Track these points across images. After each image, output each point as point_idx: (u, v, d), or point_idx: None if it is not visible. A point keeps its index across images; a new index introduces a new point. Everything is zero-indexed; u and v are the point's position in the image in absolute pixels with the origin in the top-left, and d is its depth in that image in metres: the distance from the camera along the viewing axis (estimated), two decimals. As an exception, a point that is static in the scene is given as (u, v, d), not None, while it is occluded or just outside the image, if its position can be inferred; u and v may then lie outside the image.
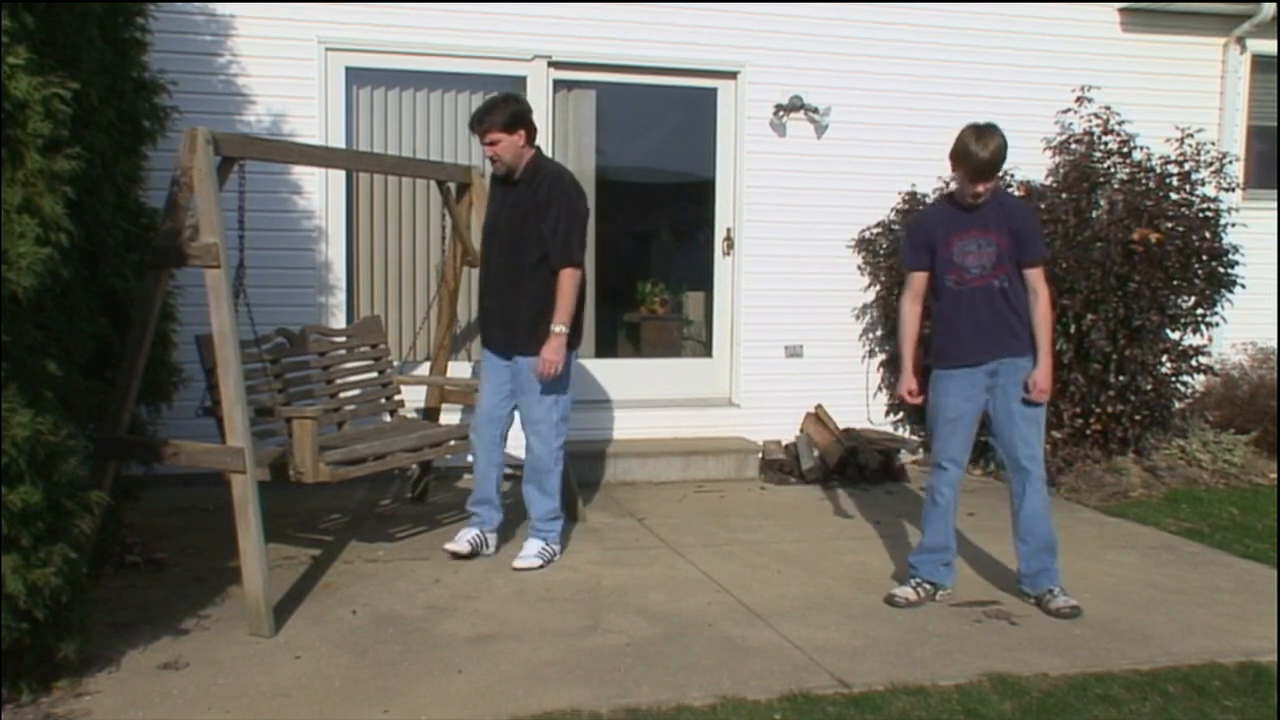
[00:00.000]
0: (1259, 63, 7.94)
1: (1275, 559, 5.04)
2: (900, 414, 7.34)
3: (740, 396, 7.14)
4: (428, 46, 6.45)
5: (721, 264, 7.19)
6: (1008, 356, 4.25)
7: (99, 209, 4.02)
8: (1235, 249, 6.52)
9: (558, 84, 6.79)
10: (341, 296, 6.47)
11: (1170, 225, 6.37)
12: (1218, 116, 7.81)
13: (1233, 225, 6.63)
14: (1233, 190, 6.89)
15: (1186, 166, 6.66)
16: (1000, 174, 4.48)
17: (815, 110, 7.00)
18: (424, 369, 6.07)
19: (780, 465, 6.72)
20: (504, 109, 4.64)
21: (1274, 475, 6.70)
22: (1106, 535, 5.50)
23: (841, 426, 6.93)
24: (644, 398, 7.03)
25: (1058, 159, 6.85)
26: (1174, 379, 6.75)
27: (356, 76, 6.45)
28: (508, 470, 6.22)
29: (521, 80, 6.66)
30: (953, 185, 4.49)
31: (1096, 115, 6.71)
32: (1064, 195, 6.59)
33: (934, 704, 3.39)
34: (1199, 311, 6.63)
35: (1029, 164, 6.85)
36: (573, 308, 4.66)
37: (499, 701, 3.36)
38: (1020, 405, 4.26)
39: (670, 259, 7.71)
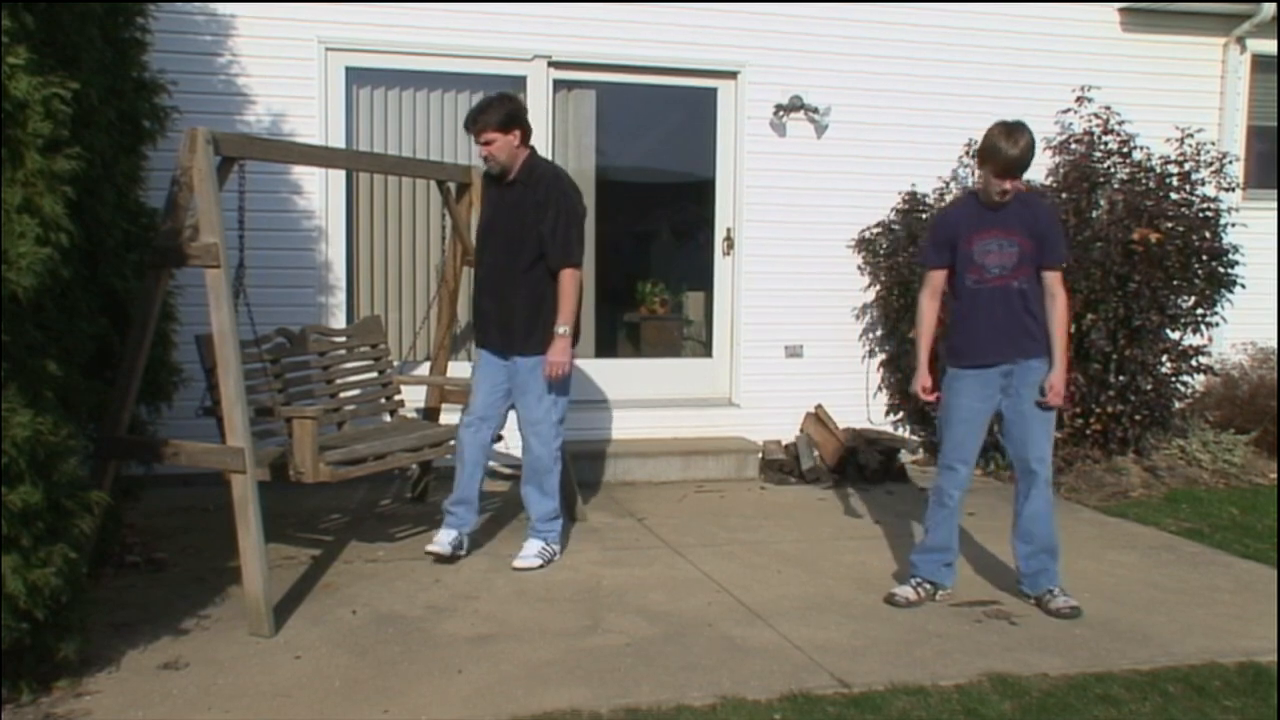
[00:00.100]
0: (1259, 63, 7.94)
1: (1275, 559, 5.04)
2: (900, 414, 7.35)
3: (740, 396, 7.14)
4: (428, 46, 6.45)
5: (721, 264, 7.19)
6: (1022, 358, 4.24)
7: (99, 209, 4.02)
8: (1235, 249, 6.52)
9: (558, 84, 6.79)
10: (341, 296, 6.47)
11: (1170, 225, 6.37)
12: (1218, 116, 7.81)
13: (1233, 225, 6.63)
14: (1233, 190, 6.89)
15: (1186, 166, 6.66)
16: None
17: (815, 110, 7.00)
18: (424, 369, 6.07)
19: (780, 465, 6.72)
20: (499, 108, 4.62)
21: (1274, 475, 6.70)
22: (1106, 535, 5.50)
23: (841, 426, 6.93)
24: (644, 398, 7.03)
25: (1058, 159, 6.85)
26: (1174, 379, 6.75)
27: (356, 76, 6.45)
28: (508, 470, 6.23)
29: (521, 80, 6.66)
30: (974, 182, 4.47)
31: (1096, 115, 6.71)
32: (1064, 195, 6.59)
33: (934, 704, 3.39)
34: (1199, 311, 6.63)
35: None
36: (575, 308, 4.66)
37: (499, 701, 3.36)
38: (1033, 407, 4.25)
39: (670, 259, 7.71)
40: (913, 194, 7.06)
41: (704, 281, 7.29)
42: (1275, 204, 7.83)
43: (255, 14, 6.13)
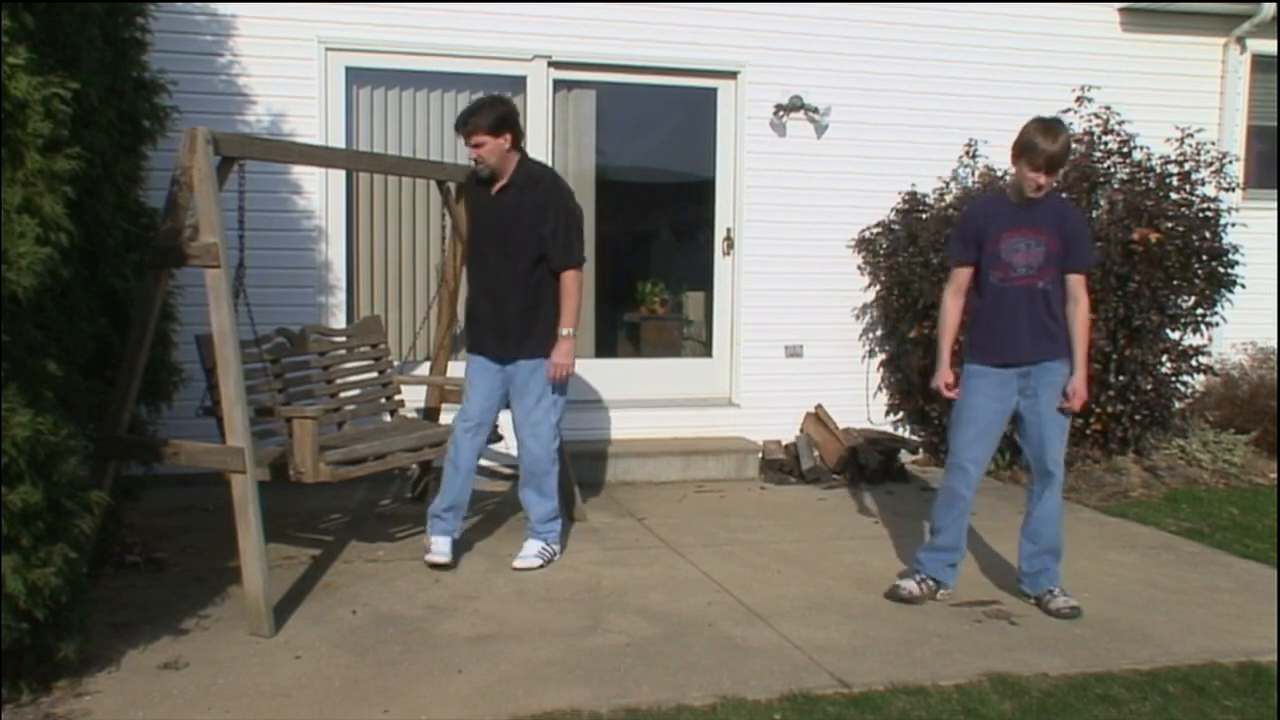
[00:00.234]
0: (1259, 63, 7.94)
1: (1275, 559, 5.04)
2: (900, 414, 7.35)
3: (740, 396, 7.14)
4: (428, 46, 6.45)
5: (721, 264, 7.19)
6: (1042, 360, 4.22)
7: (99, 209, 4.02)
8: (1235, 249, 6.52)
9: (558, 84, 6.79)
10: (341, 296, 6.47)
11: (1170, 225, 6.36)
12: (1218, 116, 7.81)
13: (1233, 225, 6.62)
14: (1233, 190, 6.89)
15: (1186, 166, 6.66)
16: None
17: (815, 110, 7.00)
18: (424, 369, 6.07)
19: (780, 465, 6.72)
20: (490, 111, 4.58)
21: (1274, 475, 6.70)
22: (1106, 535, 5.50)
23: (841, 426, 6.93)
24: (644, 398, 7.04)
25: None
26: (1174, 379, 6.75)
27: (356, 76, 6.45)
28: (507, 470, 6.24)
29: (521, 80, 6.66)
30: (1001, 181, 4.42)
31: (1096, 115, 6.71)
32: (1064, 195, 6.58)
33: (934, 704, 3.39)
34: (1199, 311, 6.63)
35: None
36: (578, 310, 4.67)
37: (499, 701, 3.36)
38: (1051, 410, 4.23)
39: (670, 259, 7.71)
40: (913, 194, 7.06)
41: (704, 281, 7.29)
42: (1275, 204, 7.83)
43: (255, 14, 6.13)
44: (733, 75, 6.99)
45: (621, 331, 7.50)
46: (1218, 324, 6.70)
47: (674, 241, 7.79)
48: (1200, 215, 6.50)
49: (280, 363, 5.01)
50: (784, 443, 6.98)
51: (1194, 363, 6.71)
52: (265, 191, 5.96)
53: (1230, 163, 6.84)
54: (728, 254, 7.16)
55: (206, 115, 5.53)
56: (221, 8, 6.08)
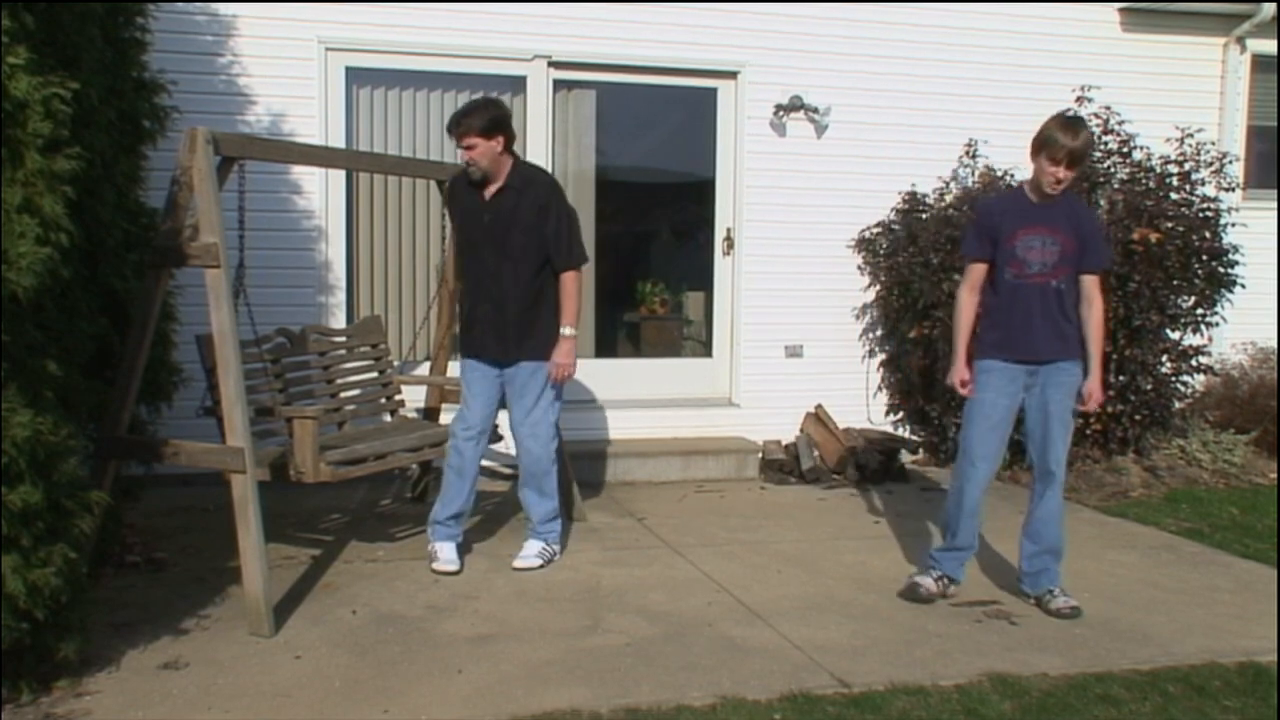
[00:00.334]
0: (1259, 63, 7.94)
1: (1275, 559, 5.04)
2: (900, 414, 7.35)
3: (740, 396, 7.14)
4: (428, 46, 6.45)
5: (721, 264, 7.19)
6: (1052, 360, 4.22)
7: (99, 209, 4.02)
8: (1235, 249, 6.52)
9: (558, 84, 6.79)
10: (341, 296, 6.47)
11: (1170, 225, 6.37)
12: (1218, 116, 7.81)
13: (1233, 225, 6.63)
14: (1233, 190, 6.89)
15: (1186, 166, 6.66)
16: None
17: (815, 110, 7.00)
18: (424, 369, 6.07)
19: (780, 465, 6.72)
20: (483, 113, 4.53)
21: (1274, 475, 6.70)
22: (1106, 535, 5.50)
23: (841, 426, 6.93)
24: (644, 398, 7.04)
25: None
26: (1174, 379, 6.75)
27: (356, 76, 6.45)
28: (507, 470, 6.25)
29: (521, 80, 6.66)
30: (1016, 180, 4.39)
31: (1096, 115, 6.71)
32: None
33: (934, 704, 3.39)
34: (1199, 311, 6.63)
35: (1029, 164, 6.83)
36: (579, 309, 4.68)
37: (499, 701, 3.36)
38: (1057, 409, 4.23)
39: (670, 259, 7.71)
40: (913, 194, 7.06)
41: (704, 281, 7.29)
42: (1275, 204, 7.83)
43: (255, 14, 6.13)
44: (733, 75, 6.99)
45: (621, 331, 7.50)
46: (1218, 324, 6.70)
47: (674, 241, 7.79)
48: (1200, 215, 6.50)
49: (280, 363, 5.01)
50: (784, 443, 6.98)
51: (1194, 363, 6.71)
52: (265, 191, 5.95)
53: (1230, 163, 6.84)
54: (728, 254, 7.16)
55: (206, 115, 5.53)
56: (221, 8, 6.08)
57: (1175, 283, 6.46)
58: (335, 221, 6.42)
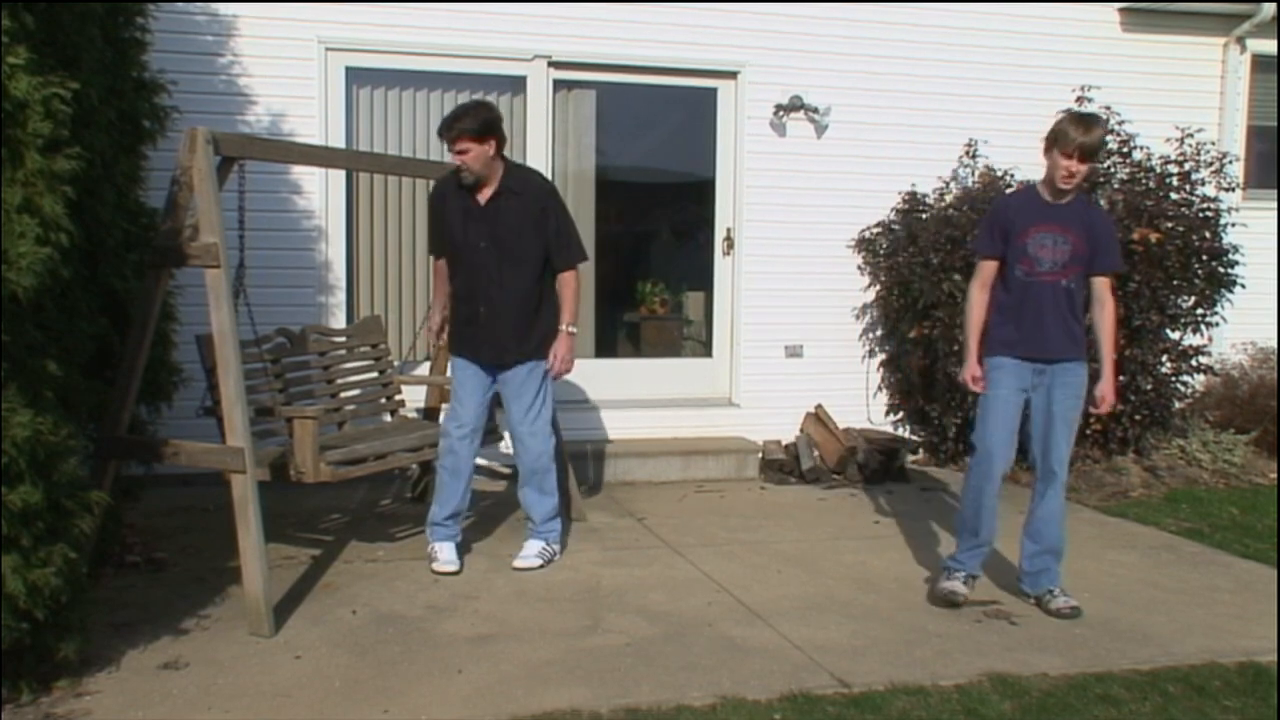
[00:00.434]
0: (1259, 63, 7.94)
1: (1275, 559, 5.04)
2: (900, 414, 7.34)
3: (740, 396, 7.14)
4: (428, 46, 6.45)
5: (721, 264, 7.19)
6: (1060, 359, 4.22)
7: (99, 209, 4.02)
8: (1235, 249, 6.53)
9: (558, 84, 6.79)
10: (341, 296, 6.47)
11: (1170, 225, 6.37)
12: (1218, 116, 7.81)
13: (1233, 225, 6.63)
14: (1233, 190, 6.89)
15: (1186, 166, 6.66)
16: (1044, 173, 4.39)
17: (815, 110, 7.00)
18: (424, 369, 6.07)
19: (780, 465, 6.72)
20: (476, 116, 4.48)
21: (1274, 475, 6.70)
22: (1106, 535, 5.50)
23: (841, 426, 6.93)
24: (644, 398, 7.04)
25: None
26: (1174, 379, 6.75)
27: (356, 76, 6.45)
28: (505, 470, 6.25)
29: (521, 80, 6.66)
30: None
31: (1097, 115, 6.72)
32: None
33: (934, 704, 3.39)
34: (1199, 311, 6.63)
35: (1029, 164, 6.79)
36: (578, 307, 4.72)
37: (499, 701, 3.36)
38: (1061, 410, 4.23)
39: (670, 259, 7.71)
40: (913, 194, 7.06)
41: (704, 281, 7.29)
42: (1275, 204, 7.83)
43: (255, 14, 6.13)
44: (733, 75, 6.99)
45: (621, 331, 7.50)
46: (1218, 324, 6.70)
47: (674, 241, 7.79)
48: (1200, 215, 6.50)
49: (280, 363, 5.01)
50: (784, 443, 6.97)
51: (1194, 363, 6.71)
52: (265, 191, 5.95)
53: (1230, 163, 6.84)
54: (728, 254, 7.16)
55: (206, 115, 5.53)
56: (221, 8, 6.08)
57: (1175, 283, 6.46)
58: (335, 221, 6.42)
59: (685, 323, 7.57)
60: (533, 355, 4.66)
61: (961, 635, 4.03)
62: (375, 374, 5.52)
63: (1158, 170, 6.62)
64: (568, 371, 4.72)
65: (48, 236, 3.02)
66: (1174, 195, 6.53)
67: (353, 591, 4.39)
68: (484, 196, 4.60)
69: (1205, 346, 6.76)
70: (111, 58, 4.20)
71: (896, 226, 7.04)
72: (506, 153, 4.70)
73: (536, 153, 6.65)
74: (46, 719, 3.18)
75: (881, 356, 7.34)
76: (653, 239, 7.80)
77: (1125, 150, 6.67)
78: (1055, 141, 4.16)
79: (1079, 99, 6.68)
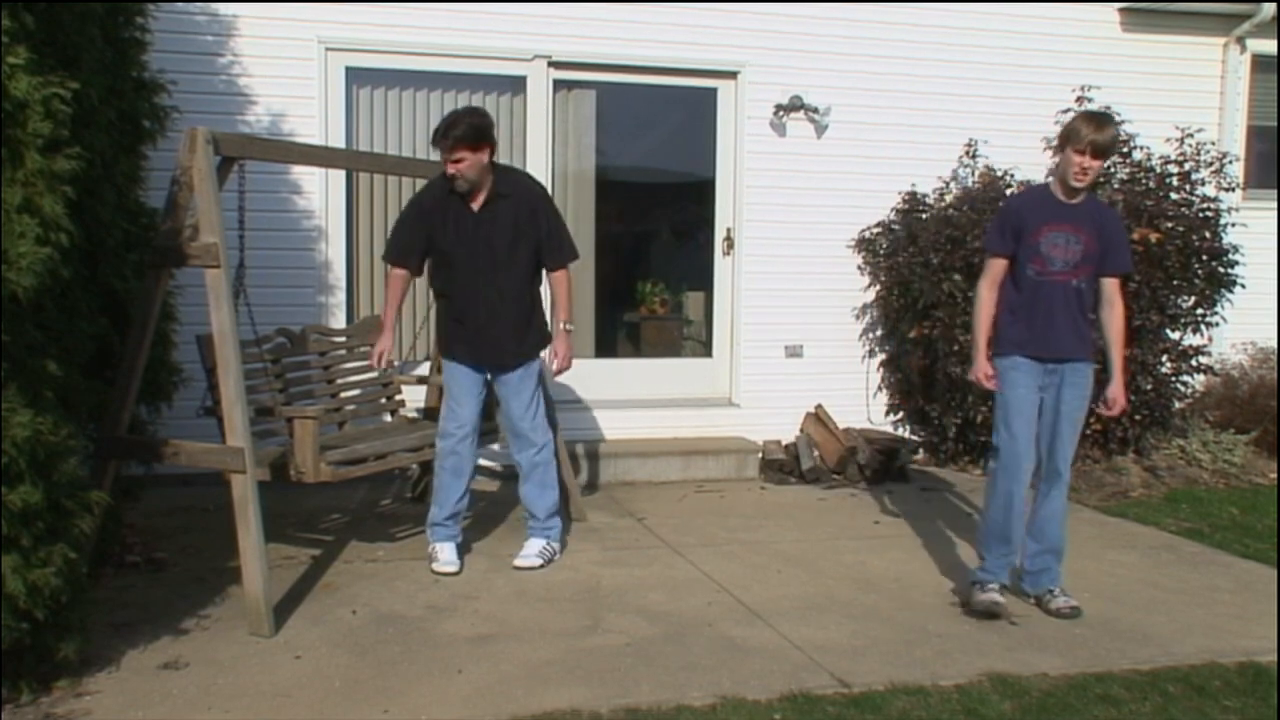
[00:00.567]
0: (1259, 63, 7.94)
1: (1275, 559, 5.04)
2: (900, 414, 7.35)
3: (740, 396, 7.14)
4: (428, 46, 6.45)
5: (721, 264, 7.19)
6: (1070, 359, 4.21)
7: (99, 209, 4.02)
8: (1235, 249, 6.53)
9: (558, 84, 6.79)
10: (341, 296, 6.47)
11: (1170, 225, 6.37)
12: (1218, 116, 7.81)
13: (1233, 225, 6.63)
14: (1233, 190, 6.90)
15: (1186, 166, 6.66)
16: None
17: (815, 110, 7.00)
18: (424, 369, 6.07)
19: (780, 465, 6.72)
20: (471, 123, 4.45)
21: (1274, 475, 6.70)
22: (1106, 535, 5.50)
23: (841, 426, 6.93)
24: (644, 397, 7.04)
25: (1058, 159, 6.84)
26: (1174, 379, 6.75)
27: (356, 76, 6.45)
28: (504, 470, 6.26)
29: (521, 80, 6.66)
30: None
31: (1096, 115, 6.71)
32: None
33: (934, 704, 3.39)
34: (1199, 311, 6.63)
35: (1029, 164, 6.85)
36: (573, 304, 4.81)
37: (499, 701, 3.36)
38: (1068, 410, 4.22)
39: (670, 259, 7.71)
40: (913, 194, 7.06)
41: (704, 281, 7.29)
42: (1275, 204, 7.83)
43: (255, 14, 6.13)
44: (733, 75, 6.99)
45: (621, 331, 7.50)
46: (1218, 324, 6.70)
47: (674, 241, 7.79)
48: (1200, 215, 6.50)
49: (280, 363, 5.01)
50: (784, 443, 6.97)
51: (1194, 363, 6.71)
52: (265, 191, 5.95)
53: (1230, 163, 6.84)
54: (728, 254, 7.16)
55: (206, 115, 5.53)
56: (221, 8, 6.08)
57: (1175, 283, 6.46)
58: (335, 221, 6.42)
59: (685, 323, 7.57)
60: (530, 355, 4.74)
61: (961, 635, 4.03)
62: (375, 374, 5.52)
63: (1158, 170, 6.62)
64: (568, 368, 4.78)
65: (48, 236, 3.02)
66: (1174, 195, 6.53)
67: (353, 591, 4.39)
68: (477, 203, 4.59)
69: (1205, 346, 6.76)
70: (111, 58, 4.20)
71: (896, 226, 7.04)
72: (507, 153, 4.72)
73: (536, 153, 6.65)
74: (46, 719, 3.18)
75: (881, 356, 7.34)
76: (653, 239, 7.80)
77: (1125, 150, 6.67)
78: (1068, 139, 4.16)
79: (1079, 99, 6.68)
